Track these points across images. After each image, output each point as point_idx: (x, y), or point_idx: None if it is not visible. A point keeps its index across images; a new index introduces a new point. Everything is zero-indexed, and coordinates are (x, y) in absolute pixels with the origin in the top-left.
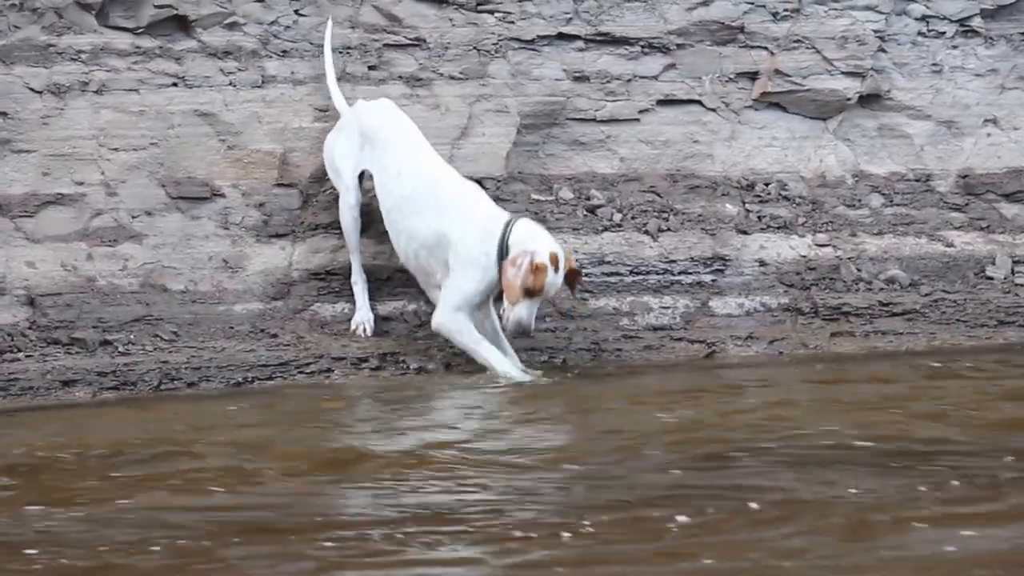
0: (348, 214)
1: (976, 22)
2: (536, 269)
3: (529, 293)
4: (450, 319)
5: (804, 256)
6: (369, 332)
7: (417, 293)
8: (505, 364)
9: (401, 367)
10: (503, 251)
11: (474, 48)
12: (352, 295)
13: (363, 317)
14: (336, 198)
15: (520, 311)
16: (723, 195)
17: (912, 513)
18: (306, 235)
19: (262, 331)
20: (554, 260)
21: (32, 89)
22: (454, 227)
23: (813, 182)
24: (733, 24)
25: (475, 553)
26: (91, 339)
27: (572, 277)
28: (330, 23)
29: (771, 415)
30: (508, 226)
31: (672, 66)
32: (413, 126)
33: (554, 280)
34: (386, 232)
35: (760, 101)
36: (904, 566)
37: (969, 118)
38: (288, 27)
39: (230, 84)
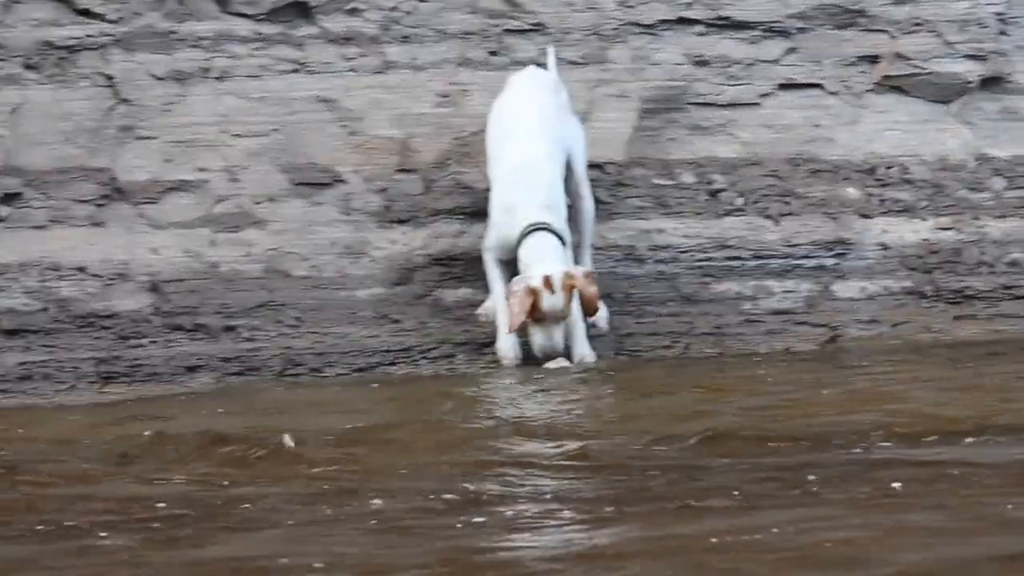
0: None
1: None
2: (530, 294)
3: (536, 319)
4: (484, 252)
5: (926, 239)
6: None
7: None
8: (504, 336)
9: (525, 351)
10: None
11: (594, 33)
12: (477, 280)
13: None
14: (457, 183)
15: (536, 338)
16: (844, 179)
17: None
18: (428, 220)
19: (384, 316)
20: (547, 283)
21: (154, 76)
22: (496, 184)
23: (935, 165)
24: (853, 8)
25: None
26: (215, 325)
27: (581, 296)
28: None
29: None
30: (523, 235)
31: (793, 50)
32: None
33: (553, 301)
34: None
35: (881, 85)
36: None
37: None
38: (409, 12)
39: (351, 70)
